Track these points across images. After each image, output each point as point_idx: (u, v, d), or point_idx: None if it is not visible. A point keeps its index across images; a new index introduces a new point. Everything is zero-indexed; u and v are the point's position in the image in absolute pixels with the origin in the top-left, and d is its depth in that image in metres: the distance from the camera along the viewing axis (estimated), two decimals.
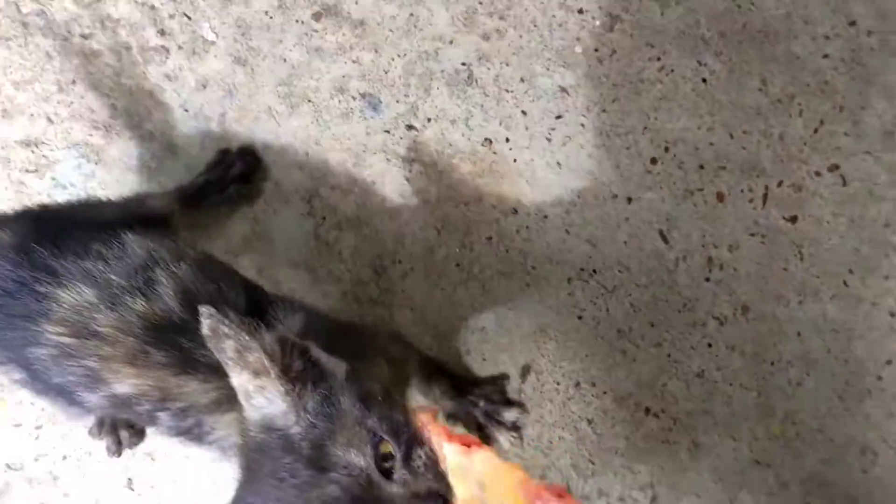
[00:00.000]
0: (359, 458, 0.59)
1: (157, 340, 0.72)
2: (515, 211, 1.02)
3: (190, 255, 0.83)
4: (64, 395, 0.79)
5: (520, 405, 0.99)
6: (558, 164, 1.02)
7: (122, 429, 1.05)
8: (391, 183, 1.04)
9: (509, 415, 0.98)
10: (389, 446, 0.60)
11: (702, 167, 1.00)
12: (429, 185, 1.03)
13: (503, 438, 0.98)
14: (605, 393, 1.00)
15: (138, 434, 1.06)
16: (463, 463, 0.50)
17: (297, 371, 0.61)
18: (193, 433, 0.74)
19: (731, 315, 0.98)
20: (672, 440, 0.99)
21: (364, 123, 1.05)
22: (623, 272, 1.00)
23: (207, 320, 0.59)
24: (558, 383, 1.01)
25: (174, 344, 0.72)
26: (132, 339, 0.73)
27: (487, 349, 1.02)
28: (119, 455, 1.05)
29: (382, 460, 0.59)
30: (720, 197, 1.00)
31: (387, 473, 0.59)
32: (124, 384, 0.73)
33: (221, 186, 1.05)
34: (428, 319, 1.02)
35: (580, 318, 1.01)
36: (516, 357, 1.02)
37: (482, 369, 1.02)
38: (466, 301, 1.01)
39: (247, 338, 0.59)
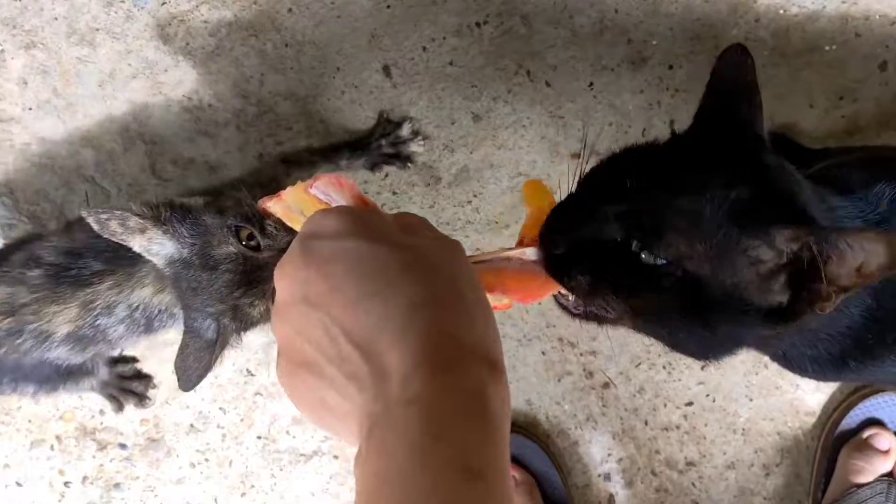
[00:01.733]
0: (230, 248, 0.83)
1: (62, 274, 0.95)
2: None
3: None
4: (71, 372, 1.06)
5: (408, 119, 1.17)
6: None
7: (128, 387, 1.21)
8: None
9: (405, 131, 1.17)
10: (245, 230, 0.83)
11: None
12: None
13: (414, 148, 1.17)
14: (444, 38, 1.19)
15: (141, 378, 1.22)
16: (283, 209, 0.64)
17: (165, 216, 0.84)
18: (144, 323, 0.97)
19: None
20: (506, 29, 1.18)
21: None
22: None
23: (90, 218, 0.82)
24: (412, 59, 1.20)
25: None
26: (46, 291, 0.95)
27: (348, 98, 1.20)
28: (146, 401, 1.21)
29: (248, 241, 0.83)
30: None
31: (254, 248, 0.82)
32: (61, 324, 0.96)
33: None
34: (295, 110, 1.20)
35: (388, 6, 1.19)
36: (373, 68, 1.20)
37: (367, 121, 1.19)
38: (309, 70, 1.20)
39: (120, 211, 0.82)
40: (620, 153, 0.70)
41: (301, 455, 1.25)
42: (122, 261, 0.92)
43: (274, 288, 0.71)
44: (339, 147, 1.15)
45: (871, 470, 1.10)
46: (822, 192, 0.71)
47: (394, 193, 1.21)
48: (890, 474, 1.11)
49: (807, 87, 1.13)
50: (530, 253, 0.64)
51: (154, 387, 1.23)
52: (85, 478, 1.27)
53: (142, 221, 0.83)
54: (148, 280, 0.93)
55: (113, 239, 0.84)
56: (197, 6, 1.19)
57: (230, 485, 1.26)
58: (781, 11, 1.12)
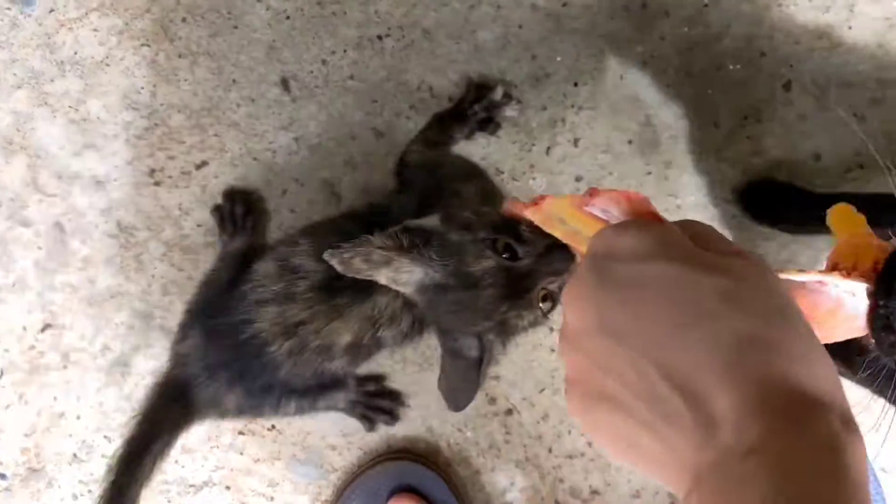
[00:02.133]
0: (488, 262, 0.76)
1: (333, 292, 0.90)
2: None
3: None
4: (326, 386, 1.02)
5: (507, 95, 1.11)
6: None
7: (378, 405, 1.16)
8: None
9: (499, 94, 1.10)
10: (501, 240, 0.76)
11: None
12: None
13: (509, 113, 1.12)
14: (344, 51, 1.15)
15: (390, 395, 1.18)
16: (542, 217, 0.58)
17: (408, 244, 0.78)
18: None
19: None
20: (408, 42, 1.14)
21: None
22: None
23: (333, 260, 0.77)
24: (311, 72, 1.15)
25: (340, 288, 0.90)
26: (321, 305, 0.90)
27: (244, 112, 1.15)
28: (397, 419, 1.17)
29: (504, 252, 0.76)
30: None
31: (513, 257, 0.76)
32: (343, 336, 0.90)
33: None
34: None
35: (287, 18, 1.15)
36: (270, 81, 1.15)
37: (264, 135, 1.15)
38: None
39: (362, 248, 0.76)
40: None
41: (190, 486, 1.19)
42: None
43: (544, 294, 0.72)
44: (445, 122, 1.08)
45: None
46: None
47: (291, 211, 1.16)
48: None
49: (712, 107, 1.11)
50: (860, 290, 0.53)
51: (405, 404, 1.16)
52: None
53: (385, 254, 0.77)
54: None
55: (358, 276, 0.78)
56: (86, 13, 1.14)
57: None
58: (686, 29, 1.11)
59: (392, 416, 1.16)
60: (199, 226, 1.17)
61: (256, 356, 0.93)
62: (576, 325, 0.41)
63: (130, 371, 1.18)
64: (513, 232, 0.76)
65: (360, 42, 1.14)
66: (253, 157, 1.16)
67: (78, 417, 1.19)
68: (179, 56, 1.15)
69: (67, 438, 1.19)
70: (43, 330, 1.18)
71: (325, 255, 0.77)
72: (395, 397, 1.17)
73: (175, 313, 1.16)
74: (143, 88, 1.15)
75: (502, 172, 1.14)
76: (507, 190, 1.14)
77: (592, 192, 0.49)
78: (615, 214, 0.49)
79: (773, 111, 1.12)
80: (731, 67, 1.12)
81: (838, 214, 0.60)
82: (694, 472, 0.34)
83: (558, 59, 1.13)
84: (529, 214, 0.60)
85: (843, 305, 0.53)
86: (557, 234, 0.57)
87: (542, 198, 0.58)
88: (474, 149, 1.13)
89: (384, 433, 1.17)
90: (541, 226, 0.59)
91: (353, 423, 1.15)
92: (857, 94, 1.11)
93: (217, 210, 1.14)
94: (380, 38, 1.14)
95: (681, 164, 1.13)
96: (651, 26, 1.11)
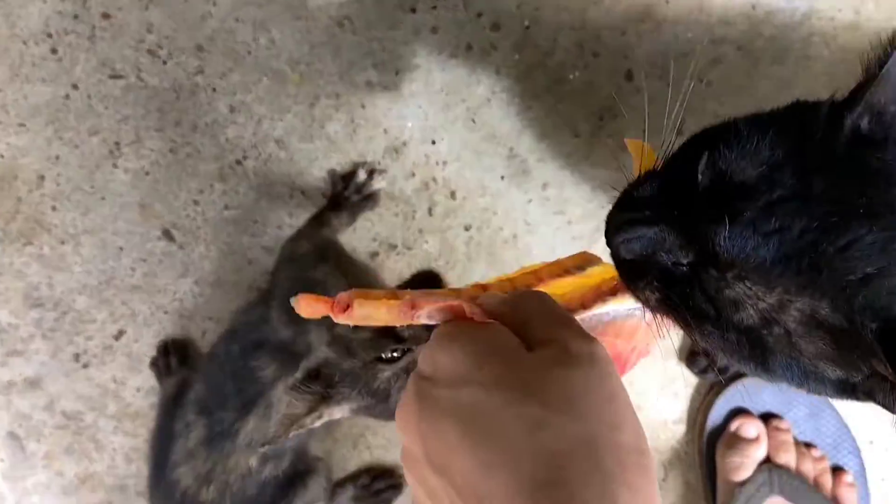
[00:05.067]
0: (387, 373, 0.81)
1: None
2: None
3: None
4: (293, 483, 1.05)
5: (370, 172, 1.15)
6: None
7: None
8: None
9: (361, 176, 1.14)
10: (386, 352, 0.80)
11: None
12: None
13: (377, 186, 1.15)
14: (211, 186, 1.17)
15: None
16: (356, 320, 0.56)
17: (326, 392, 0.82)
18: None
19: None
20: (266, 158, 1.17)
21: None
22: None
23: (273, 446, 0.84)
24: (188, 216, 1.18)
25: None
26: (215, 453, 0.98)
27: (140, 273, 1.18)
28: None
29: (393, 356, 0.80)
30: None
31: (403, 354, 0.80)
32: (251, 460, 0.99)
33: None
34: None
35: (147, 174, 1.18)
36: (153, 236, 1.18)
37: (166, 287, 1.18)
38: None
39: (291, 426, 0.78)
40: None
41: None
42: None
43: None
44: (325, 217, 1.11)
45: (747, 463, 1.10)
46: None
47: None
48: (768, 458, 1.11)
49: (567, 119, 1.14)
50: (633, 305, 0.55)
51: (401, 477, 1.20)
52: None
53: (315, 413, 0.80)
54: None
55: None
56: None
57: None
58: (517, 56, 1.13)
59: (394, 491, 1.20)
60: (138, 390, 1.21)
61: None
62: (408, 449, 0.41)
63: None
64: (391, 335, 0.79)
65: (223, 172, 1.17)
66: (164, 312, 1.20)
67: None
68: (62, 243, 1.18)
69: None
70: None
71: (261, 449, 0.83)
72: (388, 474, 1.21)
73: (145, 478, 1.20)
74: (40, 283, 1.18)
75: (395, 246, 1.17)
76: (407, 263, 1.17)
77: (413, 305, 0.48)
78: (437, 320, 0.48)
79: (624, 103, 1.14)
80: (571, 77, 1.14)
81: (635, 146, 0.65)
82: None
83: (409, 124, 1.15)
84: (343, 320, 0.58)
85: (637, 317, 0.57)
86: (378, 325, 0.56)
87: (349, 306, 0.56)
88: (363, 233, 1.16)
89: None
90: (352, 324, 0.58)
91: None
92: (696, 61, 1.13)
93: (154, 365, 1.17)
94: (238, 162, 1.17)
95: (557, 183, 1.16)
96: (484, 63, 1.13)
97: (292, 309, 0.91)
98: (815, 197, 0.48)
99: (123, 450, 1.21)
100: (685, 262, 0.52)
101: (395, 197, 1.16)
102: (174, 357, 1.16)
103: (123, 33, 1.14)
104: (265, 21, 1.13)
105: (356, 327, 0.80)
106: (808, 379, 0.53)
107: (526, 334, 0.41)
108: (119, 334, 1.20)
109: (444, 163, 1.16)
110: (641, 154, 0.63)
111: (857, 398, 0.52)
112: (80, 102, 1.16)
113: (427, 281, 1.11)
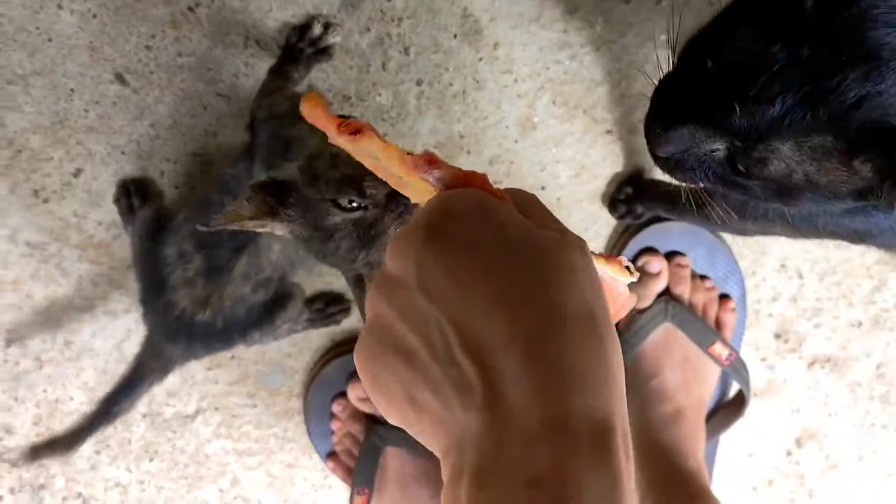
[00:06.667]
0: (336, 218, 0.84)
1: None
2: None
3: None
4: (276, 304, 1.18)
5: (325, 26, 1.15)
6: None
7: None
8: None
9: (317, 30, 1.15)
10: (345, 198, 0.82)
11: None
12: None
13: (332, 40, 1.16)
14: (163, 31, 1.16)
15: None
16: (354, 149, 0.55)
17: (276, 208, 0.85)
18: None
19: None
20: (220, 6, 1.15)
21: None
22: None
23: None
24: (140, 60, 1.18)
25: None
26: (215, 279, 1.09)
27: (94, 115, 1.19)
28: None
29: (350, 206, 0.83)
30: None
31: (359, 209, 0.83)
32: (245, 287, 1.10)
33: None
34: None
35: (94, 16, 1.14)
36: (105, 79, 1.18)
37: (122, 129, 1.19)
38: None
39: (231, 222, 0.82)
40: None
41: (186, 416, 1.42)
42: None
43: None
44: (280, 69, 1.13)
45: (647, 294, 1.30)
46: None
47: (175, 188, 1.26)
48: (667, 292, 1.32)
49: None
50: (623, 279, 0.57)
51: (347, 302, 1.33)
52: None
53: (258, 221, 0.85)
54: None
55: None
56: None
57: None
58: None
59: (343, 313, 1.36)
60: (99, 224, 1.27)
61: (193, 324, 1.10)
62: (394, 276, 0.41)
63: (96, 352, 1.36)
64: (355, 187, 0.82)
65: (175, 19, 1.16)
66: (121, 152, 1.23)
67: (72, 399, 1.39)
68: (9, 83, 1.17)
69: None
70: (7, 347, 1.34)
71: (199, 229, 0.85)
72: (339, 300, 1.36)
73: (112, 299, 1.32)
74: None
75: (349, 98, 1.22)
76: (360, 113, 1.24)
77: (431, 161, 0.47)
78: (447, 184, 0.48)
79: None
80: None
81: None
82: (465, 446, 0.36)
83: None
84: (343, 143, 0.58)
85: (614, 289, 0.59)
86: (366, 164, 0.56)
87: (361, 133, 0.55)
88: (318, 84, 1.21)
89: (328, 331, 1.38)
90: (355, 156, 0.58)
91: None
92: None
93: (117, 202, 1.24)
94: (191, 9, 1.16)
95: (507, 42, 1.21)
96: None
97: (273, 165, 0.99)
98: (804, 60, 0.63)
99: (90, 276, 1.30)
100: (714, 148, 0.70)
101: (350, 50, 1.19)
102: (136, 197, 1.22)
103: None
104: None
105: (332, 165, 0.87)
106: (828, 200, 0.70)
107: (528, 218, 0.43)
108: (77, 172, 1.23)
109: (400, 20, 1.18)
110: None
111: (868, 200, 0.68)
112: None
113: None
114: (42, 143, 1.21)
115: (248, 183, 0.88)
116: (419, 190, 0.50)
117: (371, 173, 0.58)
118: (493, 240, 0.40)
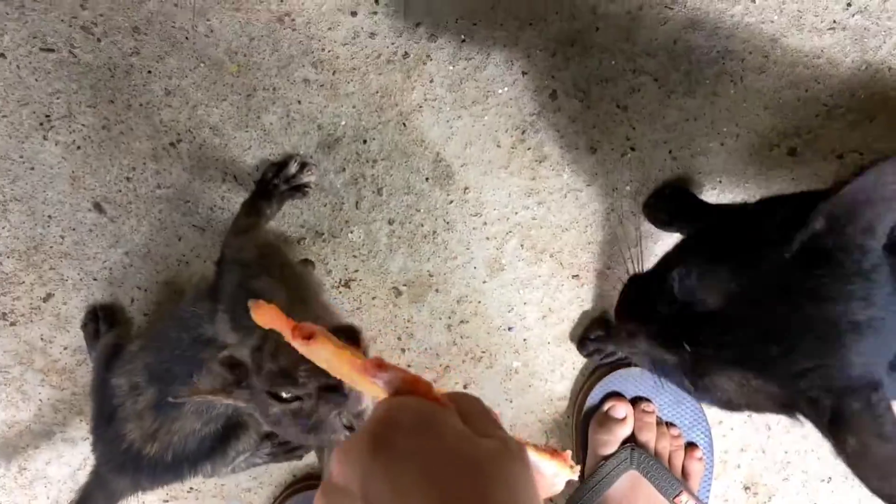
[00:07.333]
0: (276, 409, 0.87)
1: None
2: None
3: None
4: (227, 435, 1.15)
5: (301, 165, 1.20)
6: None
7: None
8: None
9: (293, 168, 1.20)
10: (279, 392, 0.86)
11: None
12: None
13: (306, 179, 1.20)
14: (144, 164, 1.20)
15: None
16: (307, 351, 0.57)
17: (230, 381, 0.90)
18: None
19: None
20: (201, 142, 1.19)
21: None
22: None
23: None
24: (119, 191, 1.21)
25: None
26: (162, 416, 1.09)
27: (70, 241, 1.21)
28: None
29: (287, 399, 0.86)
30: None
31: (296, 399, 0.86)
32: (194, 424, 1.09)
33: None
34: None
35: (78, 147, 1.18)
36: (84, 208, 1.20)
37: (95, 258, 1.20)
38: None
39: (196, 397, 0.89)
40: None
41: None
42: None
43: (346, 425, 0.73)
44: (253, 205, 1.17)
45: (613, 440, 1.29)
46: None
47: (144, 315, 1.26)
48: (632, 438, 1.31)
49: (491, 130, 1.22)
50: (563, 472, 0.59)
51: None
52: None
53: (218, 397, 0.89)
54: None
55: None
56: None
57: None
58: (451, 67, 1.18)
59: (304, 449, 1.34)
60: (65, 349, 1.27)
61: (140, 457, 1.08)
62: (339, 482, 0.42)
63: (50, 481, 1.32)
64: (290, 381, 0.85)
65: (156, 152, 1.20)
66: (93, 279, 1.25)
67: None
68: None
69: None
70: None
71: (171, 400, 0.91)
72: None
73: (72, 426, 1.30)
74: None
75: (322, 234, 1.25)
76: (331, 250, 1.26)
77: (379, 365, 0.49)
78: (394, 387, 0.49)
79: (545, 120, 1.23)
80: (499, 91, 1.21)
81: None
82: None
83: (342, 122, 1.21)
84: (297, 346, 0.59)
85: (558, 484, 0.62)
86: (320, 365, 0.58)
87: (314, 338, 0.57)
88: (291, 219, 1.23)
89: (289, 466, 1.35)
90: (304, 354, 0.59)
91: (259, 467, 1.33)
92: (616, 87, 1.22)
93: (84, 327, 1.24)
94: (173, 144, 1.20)
95: (477, 187, 1.25)
96: (418, 71, 1.18)
97: (238, 316, 1.00)
98: (763, 316, 0.69)
99: (51, 401, 1.29)
100: (669, 358, 0.77)
101: (324, 189, 1.23)
102: (103, 323, 1.22)
103: (56, 7, 1.12)
104: (204, 9, 1.13)
105: (273, 356, 0.89)
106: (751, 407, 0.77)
107: (468, 425, 0.44)
108: (47, 297, 1.24)
109: (374, 161, 1.22)
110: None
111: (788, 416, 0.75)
112: (8, 72, 1.14)
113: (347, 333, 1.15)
114: (15, 266, 1.22)
115: (218, 356, 0.91)
116: (370, 391, 0.53)
117: (307, 362, 0.61)
118: (434, 450, 0.41)
